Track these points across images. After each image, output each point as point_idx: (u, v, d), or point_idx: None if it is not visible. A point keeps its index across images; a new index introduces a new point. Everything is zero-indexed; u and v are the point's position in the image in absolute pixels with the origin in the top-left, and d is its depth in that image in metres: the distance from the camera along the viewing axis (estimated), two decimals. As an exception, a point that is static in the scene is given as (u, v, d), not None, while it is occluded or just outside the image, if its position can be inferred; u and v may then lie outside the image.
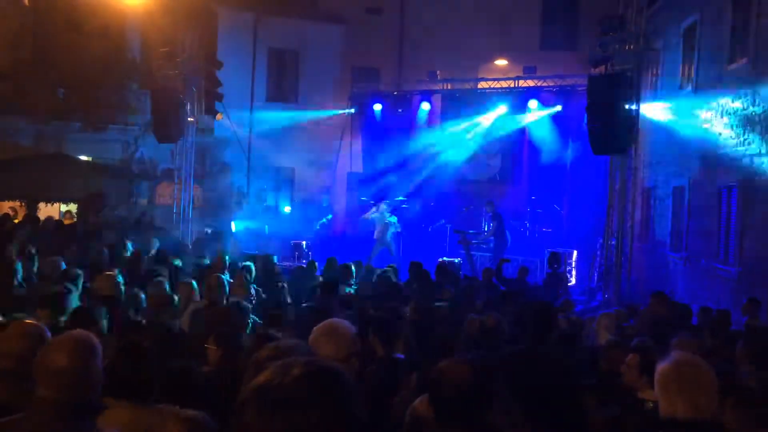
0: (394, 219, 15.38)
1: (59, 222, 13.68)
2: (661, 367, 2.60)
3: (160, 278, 6.72)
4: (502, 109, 16.96)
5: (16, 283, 6.22)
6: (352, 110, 18.72)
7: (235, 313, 5.11)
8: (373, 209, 15.48)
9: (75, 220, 14.63)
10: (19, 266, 6.40)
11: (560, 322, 6.06)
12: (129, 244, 9.75)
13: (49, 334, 3.13)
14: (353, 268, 8.89)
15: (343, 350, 3.08)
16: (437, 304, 6.27)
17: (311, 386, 1.36)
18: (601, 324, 6.09)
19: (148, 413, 2.85)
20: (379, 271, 9.32)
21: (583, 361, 5.08)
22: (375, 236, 15.30)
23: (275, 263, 10.01)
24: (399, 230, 15.54)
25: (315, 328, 3.18)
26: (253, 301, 6.44)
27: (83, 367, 2.51)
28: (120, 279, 5.87)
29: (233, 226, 16.92)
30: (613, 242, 12.57)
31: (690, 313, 7.36)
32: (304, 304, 6.56)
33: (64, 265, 6.92)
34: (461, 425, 2.52)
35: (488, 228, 15.40)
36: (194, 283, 6.58)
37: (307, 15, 19.84)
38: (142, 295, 6.07)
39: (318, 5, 20.55)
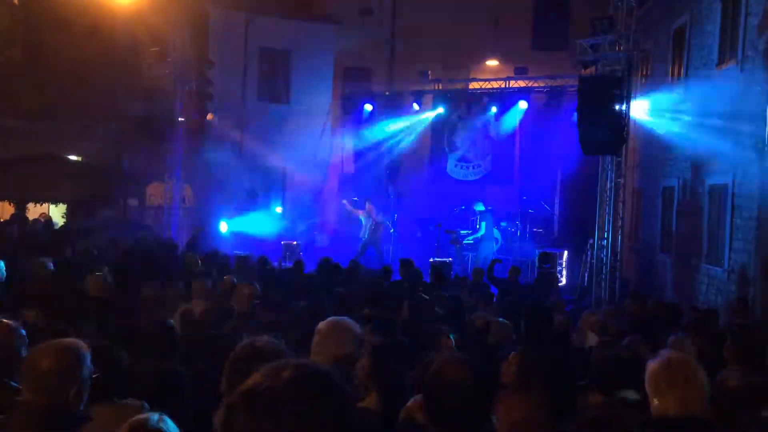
0: (385, 219, 15.38)
1: (47, 222, 13.58)
2: (652, 365, 2.59)
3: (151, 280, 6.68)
4: (493, 109, 17.00)
5: None
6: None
7: (224, 315, 5.08)
8: (361, 212, 15.46)
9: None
10: (1, 265, 6.34)
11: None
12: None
13: (23, 332, 3.12)
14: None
15: (349, 347, 3.08)
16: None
17: (302, 389, 1.34)
18: (586, 324, 6.11)
19: (114, 409, 2.84)
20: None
21: (575, 361, 5.09)
22: (361, 235, 15.32)
23: (269, 263, 10.00)
24: (392, 231, 15.55)
25: (321, 325, 3.16)
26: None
27: (69, 373, 2.49)
28: (109, 280, 5.83)
29: (224, 226, 16.86)
30: (603, 242, 12.61)
31: (679, 312, 7.38)
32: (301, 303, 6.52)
33: (51, 266, 6.86)
34: (459, 427, 2.43)
35: (478, 228, 15.44)
36: (182, 284, 6.54)
37: (298, 15, 19.78)
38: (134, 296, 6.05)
39: (309, 5, 20.51)
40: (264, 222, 17.52)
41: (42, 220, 13.89)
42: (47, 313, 4.68)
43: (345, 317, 3.32)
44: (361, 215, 15.37)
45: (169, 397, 3.13)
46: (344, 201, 16.28)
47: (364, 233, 15.19)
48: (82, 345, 2.65)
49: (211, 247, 10.98)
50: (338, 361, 2.97)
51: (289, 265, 12.99)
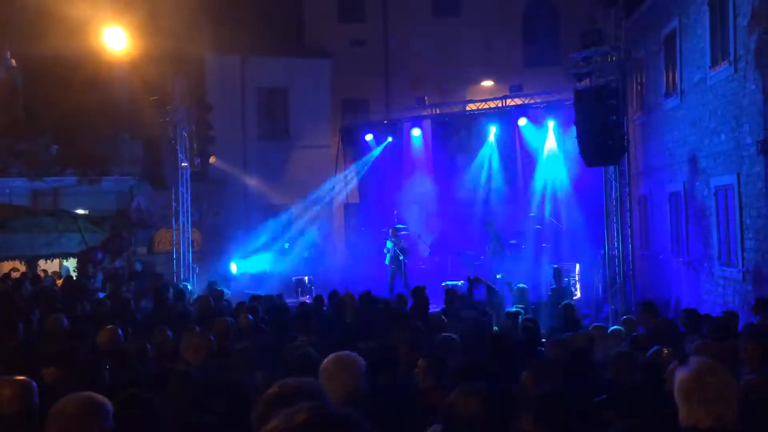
0: (389, 244, 15.34)
1: (57, 279, 13.62)
2: (682, 375, 2.49)
3: (162, 326, 6.64)
4: (492, 129, 17.07)
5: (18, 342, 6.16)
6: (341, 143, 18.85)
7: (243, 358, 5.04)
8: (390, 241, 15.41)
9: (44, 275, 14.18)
10: (19, 325, 6.34)
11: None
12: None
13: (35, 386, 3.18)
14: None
15: (358, 381, 3.08)
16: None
17: None
18: (599, 336, 6.03)
19: None
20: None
21: (597, 376, 5.03)
22: (388, 263, 15.32)
23: (283, 301, 9.96)
24: (391, 254, 15.42)
25: (326, 360, 3.17)
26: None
27: (91, 423, 2.51)
28: (120, 332, 5.81)
29: (234, 267, 16.87)
30: (614, 253, 12.54)
31: (698, 317, 7.29)
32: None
33: (66, 322, 6.85)
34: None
35: (488, 247, 15.36)
36: (198, 328, 6.50)
37: (292, 52, 20.05)
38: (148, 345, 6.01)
39: (303, 42, 20.79)
40: (273, 259, 17.54)
41: (53, 277, 13.93)
42: (65, 369, 4.67)
43: (350, 352, 3.31)
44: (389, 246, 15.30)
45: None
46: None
47: (392, 261, 15.14)
48: (106, 401, 2.67)
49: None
50: (350, 397, 2.96)
51: (302, 300, 12.95)
